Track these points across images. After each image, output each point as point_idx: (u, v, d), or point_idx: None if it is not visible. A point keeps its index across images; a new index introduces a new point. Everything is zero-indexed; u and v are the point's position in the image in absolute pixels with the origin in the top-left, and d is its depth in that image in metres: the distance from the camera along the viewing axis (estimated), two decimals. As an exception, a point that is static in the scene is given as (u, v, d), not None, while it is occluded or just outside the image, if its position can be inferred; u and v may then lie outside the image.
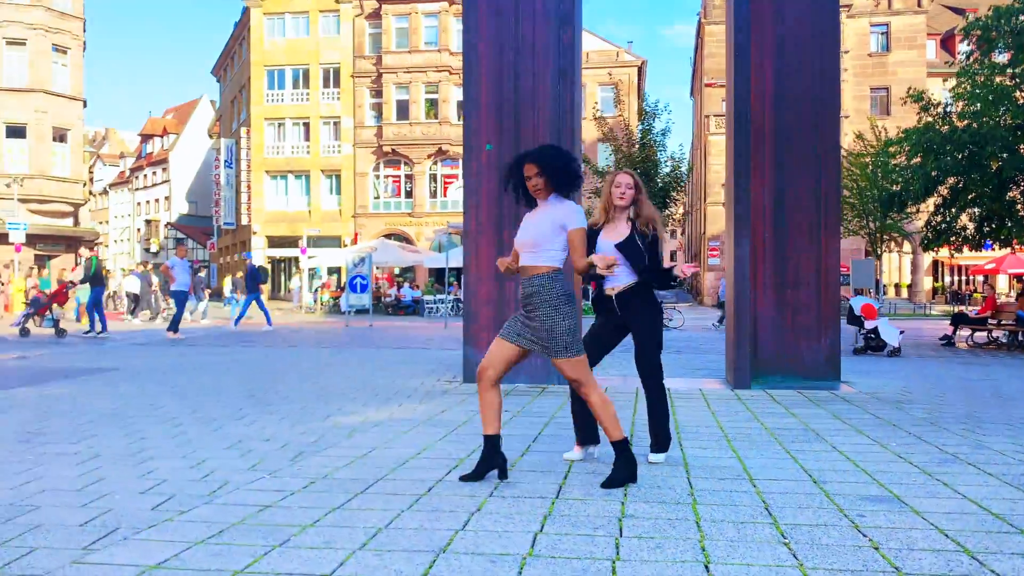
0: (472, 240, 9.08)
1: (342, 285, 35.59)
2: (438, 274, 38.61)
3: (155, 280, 25.28)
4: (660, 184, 28.15)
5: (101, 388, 8.39)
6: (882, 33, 42.94)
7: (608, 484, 4.19)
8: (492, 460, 4.32)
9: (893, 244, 40.76)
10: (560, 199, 4.31)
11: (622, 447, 4.28)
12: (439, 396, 7.89)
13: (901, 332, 13.98)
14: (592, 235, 4.86)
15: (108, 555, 3.13)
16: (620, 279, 4.78)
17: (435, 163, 42.14)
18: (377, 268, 33.50)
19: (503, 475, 4.32)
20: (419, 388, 8.53)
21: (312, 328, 21.64)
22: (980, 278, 44.39)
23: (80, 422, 6.24)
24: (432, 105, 41.87)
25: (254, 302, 19.82)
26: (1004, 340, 16.16)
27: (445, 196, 42.02)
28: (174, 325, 16.24)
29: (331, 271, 41.85)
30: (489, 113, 9.07)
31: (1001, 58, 16.73)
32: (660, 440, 4.86)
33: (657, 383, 4.82)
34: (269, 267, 44.73)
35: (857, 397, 7.96)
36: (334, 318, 28.47)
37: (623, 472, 4.25)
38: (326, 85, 43.55)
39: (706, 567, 2.96)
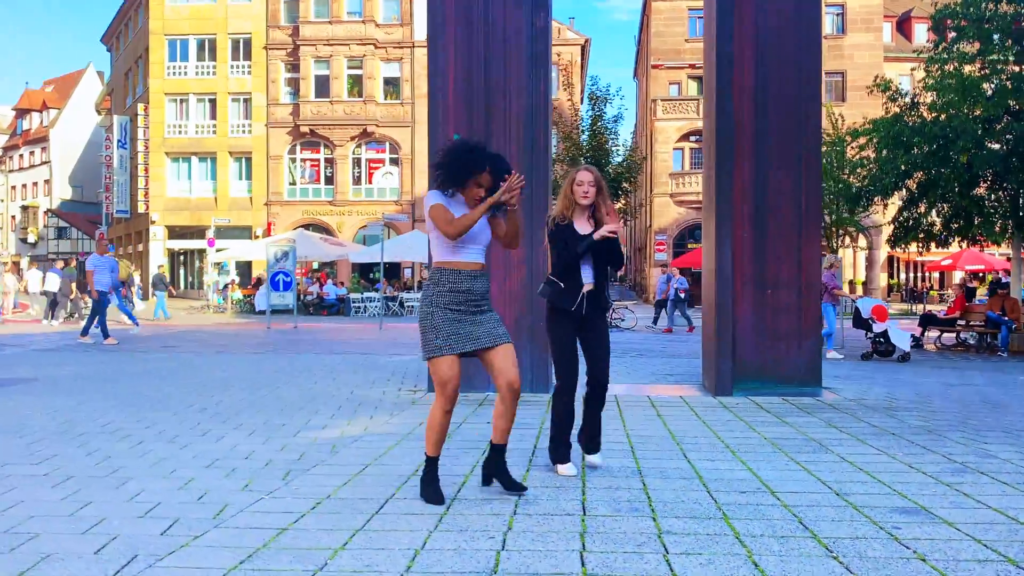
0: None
1: (256, 282, 35.19)
2: (361, 270, 38.58)
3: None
4: (612, 175, 28.74)
5: (29, 401, 8.29)
6: (837, 14, 44.37)
7: (516, 487, 4.64)
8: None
9: (848, 239, 42.29)
10: None
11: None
12: (408, 407, 8.05)
13: (912, 336, 14.31)
14: (566, 228, 5.16)
15: (141, 584, 3.24)
16: (589, 277, 5.11)
17: (359, 146, 41.96)
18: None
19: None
20: (383, 399, 8.67)
21: (231, 331, 21.42)
22: (936, 275, 46.50)
23: (28, 441, 6.21)
24: (355, 82, 41.66)
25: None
26: (972, 342, 17.08)
27: (370, 183, 41.90)
28: (102, 328, 15.93)
29: (241, 267, 41.23)
30: (457, 102, 9.25)
31: (969, 47, 17.62)
32: (598, 442, 5.38)
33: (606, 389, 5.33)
34: (166, 264, 43.84)
35: (844, 404, 8.43)
36: (249, 319, 28.17)
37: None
38: (235, 57, 42.90)
39: (766, 582, 3.26)
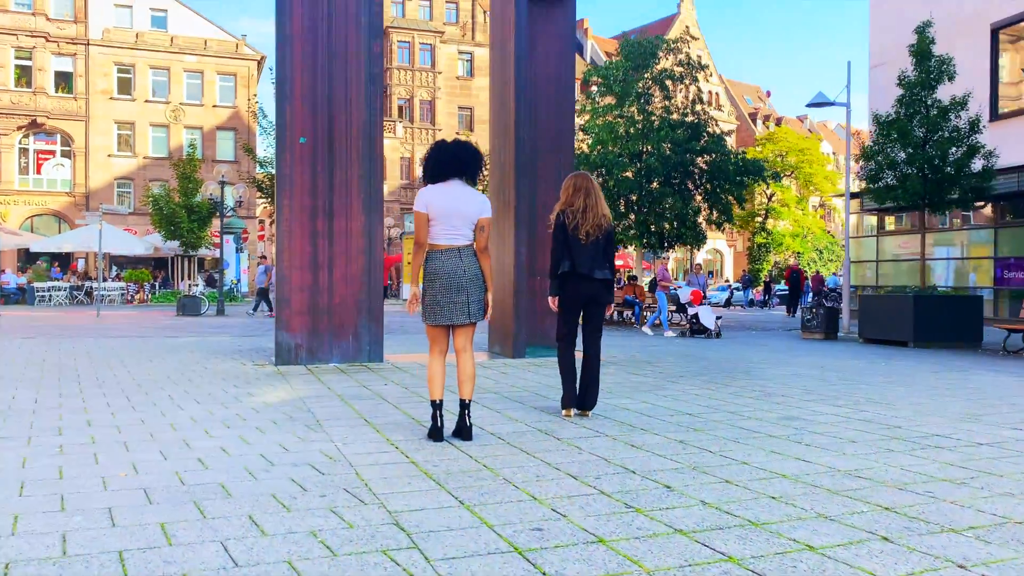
0: (286, 229, 9.02)
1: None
2: (27, 257, 33.86)
3: None
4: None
5: None
6: (467, 60, 47.52)
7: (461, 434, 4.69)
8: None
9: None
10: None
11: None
12: (284, 379, 7.84)
13: (718, 317, 15.24)
14: None
15: None
16: None
17: (27, 136, 36.32)
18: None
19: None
20: (246, 372, 8.27)
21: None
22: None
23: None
24: (24, 72, 35.99)
25: None
26: (615, 318, 19.79)
27: (39, 173, 36.53)
28: None
29: None
30: (304, 109, 9.08)
31: (609, 100, 20.45)
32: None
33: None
34: None
35: (626, 360, 9.76)
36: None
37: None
38: None
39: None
